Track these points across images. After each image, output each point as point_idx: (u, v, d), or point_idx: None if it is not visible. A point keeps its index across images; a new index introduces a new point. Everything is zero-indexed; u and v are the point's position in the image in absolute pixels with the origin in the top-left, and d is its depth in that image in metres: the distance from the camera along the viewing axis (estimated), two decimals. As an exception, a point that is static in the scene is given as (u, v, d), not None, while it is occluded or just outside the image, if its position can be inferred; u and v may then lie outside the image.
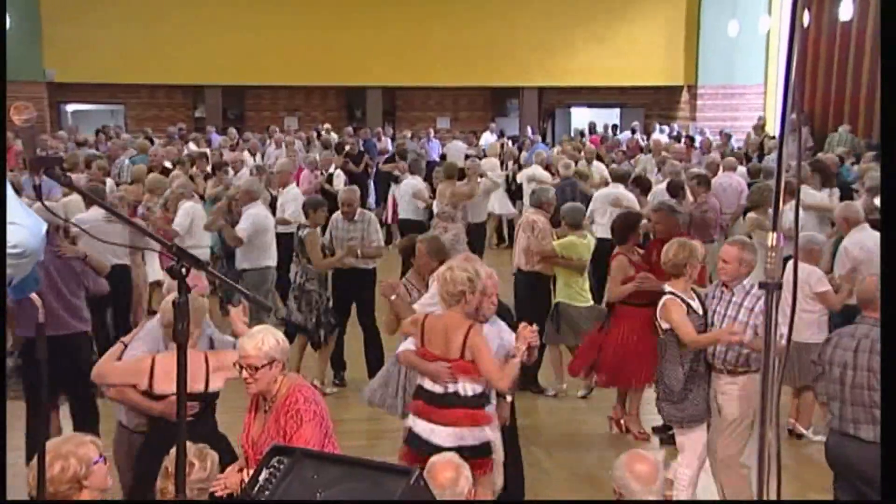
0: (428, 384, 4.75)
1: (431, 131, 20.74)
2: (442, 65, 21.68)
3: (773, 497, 2.20)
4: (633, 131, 19.79)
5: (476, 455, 4.56)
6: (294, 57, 21.36)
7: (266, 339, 3.89)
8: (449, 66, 21.70)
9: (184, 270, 2.45)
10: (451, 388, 4.68)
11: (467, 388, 4.68)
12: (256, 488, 2.94)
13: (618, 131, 21.02)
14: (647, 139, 18.83)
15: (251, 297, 3.11)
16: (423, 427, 4.70)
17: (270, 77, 21.93)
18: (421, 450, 4.56)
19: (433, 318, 4.79)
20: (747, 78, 20.84)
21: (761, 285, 2.44)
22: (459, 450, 4.37)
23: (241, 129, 21.24)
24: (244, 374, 3.89)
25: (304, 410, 3.83)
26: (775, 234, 2.42)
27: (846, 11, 16.77)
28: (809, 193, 9.05)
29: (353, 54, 21.45)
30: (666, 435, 6.80)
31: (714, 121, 21.28)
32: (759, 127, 18.00)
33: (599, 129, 21.04)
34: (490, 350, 4.63)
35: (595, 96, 23.23)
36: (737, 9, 20.52)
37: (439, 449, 4.42)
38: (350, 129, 20.00)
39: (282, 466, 2.97)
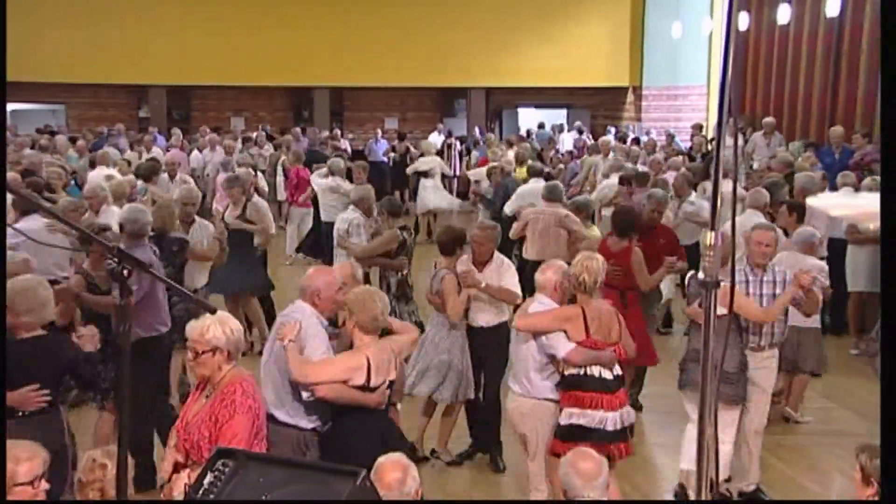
0: (597, 371, 5.06)
1: (379, 132, 20.69)
2: (390, 65, 21.65)
3: (708, 490, 2.23)
4: (580, 132, 19.96)
5: (628, 436, 5.17)
6: (241, 57, 21.16)
7: (213, 327, 3.98)
8: (397, 67, 21.68)
9: (125, 272, 2.42)
10: (617, 372, 5.12)
11: (619, 369, 5.20)
12: (201, 492, 2.91)
13: (564, 131, 21.20)
14: (594, 140, 19.03)
15: (194, 300, 3.08)
16: (594, 417, 5.01)
17: (217, 77, 21.70)
18: (585, 440, 4.81)
19: (592, 309, 5.14)
20: (690, 79, 21.13)
21: (701, 283, 2.48)
22: (625, 431, 5.07)
23: (188, 129, 21.00)
24: (189, 355, 4.06)
25: (240, 403, 3.90)
26: (713, 234, 2.46)
27: (784, 15, 17.11)
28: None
29: (301, 54, 21.35)
30: None
31: (658, 121, 21.56)
32: (697, 127, 18.31)
33: (547, 129, 21.22)
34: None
35: (542, 97, 23.39)
36: (680, 11, 20.81)
37: (613, 435, 4.99)
38: (298, 129, 19.90)
39: (226, 469, 2.94)
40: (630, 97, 23.03)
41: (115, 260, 2.45)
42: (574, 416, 5.04)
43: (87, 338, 4.69)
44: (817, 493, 6.03)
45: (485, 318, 6.39)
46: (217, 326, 3.99)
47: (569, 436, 5.00)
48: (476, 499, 6.11)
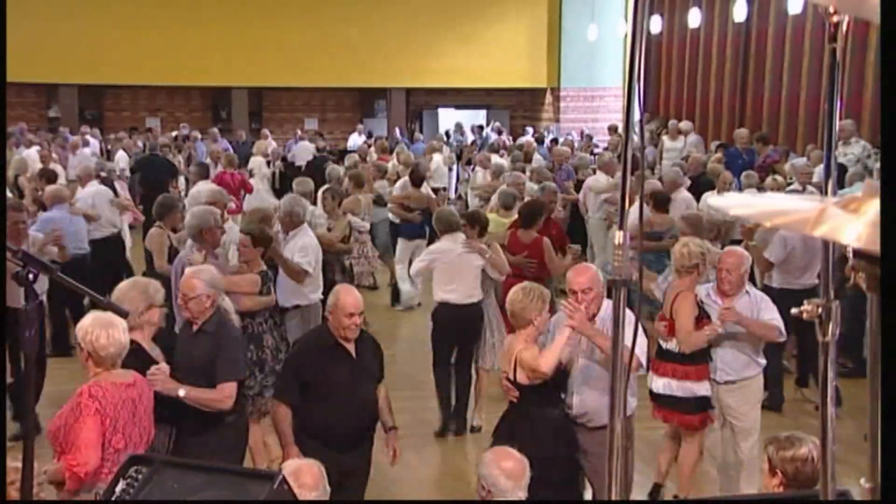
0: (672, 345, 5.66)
1: (299, 132, 20.52)
2: (310, 65, 21.50)
3: (619, 489, 2.28)
4: (500, 132, 20.15)
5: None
6: (156, 55, 20.72)
7: (93, 329, 4.02)
8: (316, 67, 21.54)
9: (31, 276, 2.37)
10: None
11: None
12: (113, 500, 2.87)
13: (484, 132, 21.37)
14: (514, 140, 19.23)
15: (104, 303, 3.03)
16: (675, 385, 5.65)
17: (131, 76, 21.22)
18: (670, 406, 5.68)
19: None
20: (607, 80, 21.50)
21: (610, 283, 2.53)
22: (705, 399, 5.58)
23: (102, 130, 20.52)
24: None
25: (85, 405, 3.95)
26: (621, 233, 2.52)
27: (694, 19, 17.57)
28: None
29: (218, 53, 21.01)
30: None
31: (576, 122, 21.89)
32: (612, 128, 18.71)
33: (467, 130, 21.37)
34: (686, 313, 5.58)
35: (461, 98, 23.53)
36: (595, 13, 21.16)
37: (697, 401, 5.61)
38: (216, 129, 19.61)
39: (140, 476, 2.90)
40: (548, 98, 23.33)
41: (21, 264, 2.40)
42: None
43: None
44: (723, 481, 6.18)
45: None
46: (98, 329, 4.02)
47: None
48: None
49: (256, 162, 15.13)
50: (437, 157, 15.11)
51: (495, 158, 13.95)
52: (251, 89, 22.62)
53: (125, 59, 20.61)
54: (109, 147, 18.50)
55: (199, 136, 19.13)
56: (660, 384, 5.73)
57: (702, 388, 5.64)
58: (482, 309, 7.30)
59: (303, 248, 7.04)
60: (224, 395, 4.58)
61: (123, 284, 4.83)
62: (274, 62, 21.32)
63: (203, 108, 23.63)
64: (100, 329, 4.03)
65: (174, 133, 19.99)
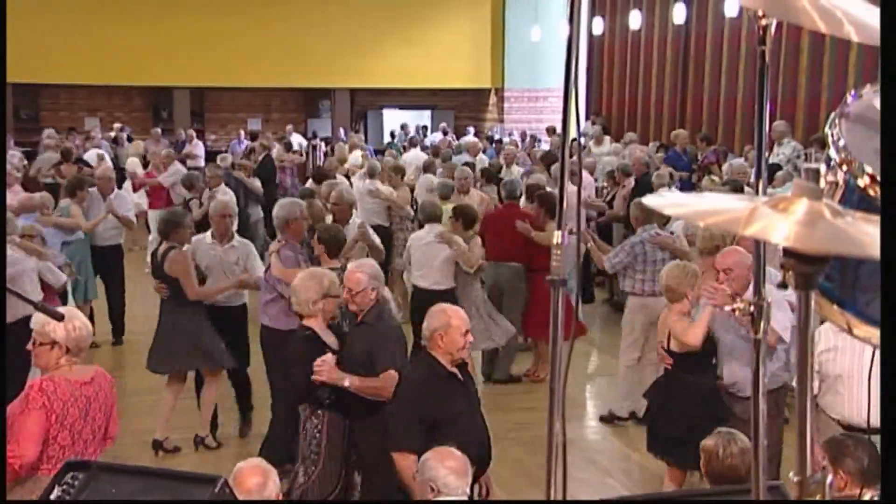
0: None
1: (242, 132, 20.32)
2: (252, 65, 21.27)
3: (559, 489, 2.30)
4: (445, 132, 20.19)
5: None
6: (95, 54, 20.29)
7: (70, 321, 4.01)
8: (259, 66, 21.32)
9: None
10: None
11: None
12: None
13: (428, 132, 21.38)
14: (458, 139, 19.27)
15: (38, 307, 2.98)
16: None
17: (67, 76, 20.76)
18: None
19: None
20: (550, 82, 21.63)
21: (549, 282, 2.56)
22: None
23: (39, 130, 20.05)
24: (30, 345, 4.13)
25: (33, 398, 3.94)
26: (560, 233, 2.55)
27: (635, 21, 17.80)
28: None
29: (159, 53, 20.65)
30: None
31: (520, 122, 22.01)
32: (551, 129, 18.88)
33: (411, 130, 21.36)
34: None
35: (406, 98, 23.51)
36: (538, 15, 21.30)
37: None
38: (158, 129, 19.30)
39: (76, 483, 2.85)
40: (493, 99, 23.42)
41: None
42: None
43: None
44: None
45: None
46: (74, 322, 4.04)
47: None
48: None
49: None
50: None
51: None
52: (193, 89, 22.31)
53: (62, 58, 20.16)
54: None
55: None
56: None
57: None
58: (454, 296, 7.41)
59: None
60: (386, 382, 4.70)
61: (301, 274, 5.13)
62: (216, 61, 21.04)
63: (144, 108, 23.24)
64: (74, 321, 4.08)
65: (112, 133, 19.65)
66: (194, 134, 19.01)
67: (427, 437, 4.23)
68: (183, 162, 15.05)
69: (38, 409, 3.91)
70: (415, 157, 14.73)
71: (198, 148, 18.21)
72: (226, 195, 9.93)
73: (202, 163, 16.80)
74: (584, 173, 12.17)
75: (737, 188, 8.80)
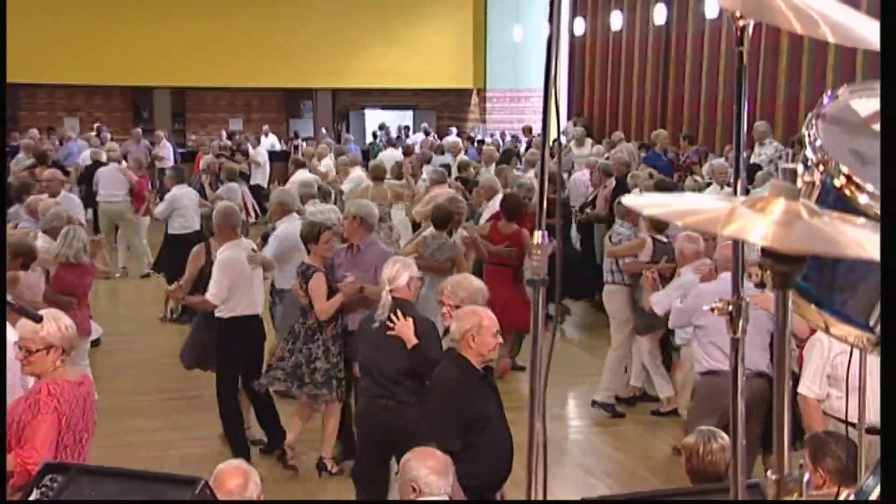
0: None
1: (224, 133, 20.25)
2: (233, 65, 21.18)
3: (539, 488, 2.30)
4: (427, 133, 20.19)
5: None
6: (73, 53, 20.13)
7: (47, 324, 3.89)
8: (240, 66, 21.23)
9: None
10: None
11: None
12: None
13: (410, 133, 21.37)
14: (440, 140, 19.28)
15: (16, 308, 2.96)
16: None
17: (46, 75, 20.58)
18: None
19: None
20: (532, 82, 21.66)
21: (528, 282, 2.56)
22: None
23: (17, 130, 19.89)
24: (19, 355, 3.93)
25: (44, 403, 3.86)
26: (540, 233, 2.55)
27: (616, 21, 17.86)
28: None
29: (139, 52, 20.51)
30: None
31: (502, 122, 22.05)
32: (527, 129, 18.94)
33: (393, 131, 21.36)
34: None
35: (388, 98, 23.49)
36: (520, 15, 21.34)
37: None
38: (138, 130, 19.18)
39: (55, 485, 2.83)
40: (475, 99, 23.44)
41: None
42: None
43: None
44: (649, 479, 6.32)
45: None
46: (52, 323, 3.93)
47: None
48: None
49: None
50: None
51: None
52: (174, 89, 22.20)
53: (41, 57, 19.99)
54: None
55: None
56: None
57: None
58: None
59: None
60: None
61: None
62: (197, 61, 20.94)
63: (124, 107, 23.09)
64: (62, 320, 4.01)
65: (93, 133, 19.52)
66: (163, 135, 18.70)
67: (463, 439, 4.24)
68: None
69: (51, 412, 3.84)
70: (392, 156, 14.76)
71: (165, 150, 17.98)
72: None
73: (169, 164, 16.70)
74: (584, 171, 12.50)
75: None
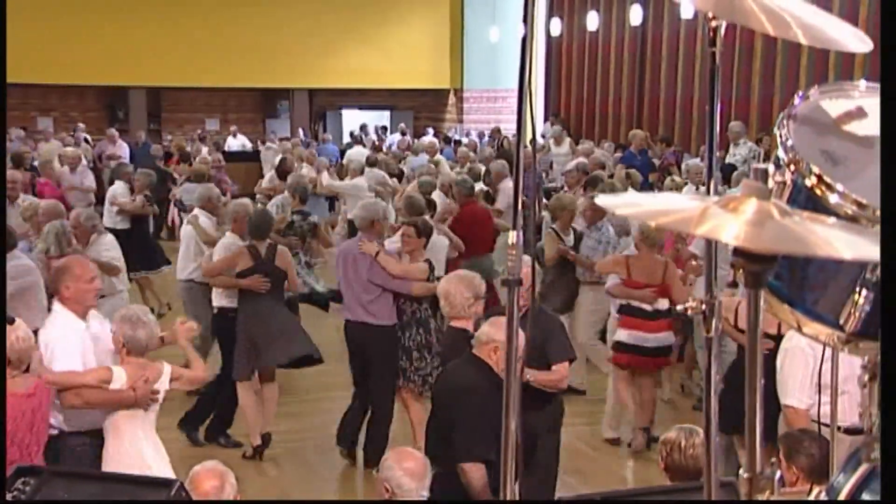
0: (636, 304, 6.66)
1: (199, 132, 20.14)
2: (210, 64, 21.06)
3: (515, 488, 2.31)
4: (403, 133, 20.19)
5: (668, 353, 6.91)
6: (47, 53, 19.90)
7: (26, 333, 3.93)
8: (217, 66, 21.12)
9: None
10: (658, 306, 6.67)
11: (663, 304, 6.68)
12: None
13: (387, 133, 21.36)
14: (417, 140, 19.28)
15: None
16: (634, 336, 6.65)
17: (19, 74, 20.34)
18: (632, 354, 6.69)
19: (634, 259, 6.77)
20: (509, 82, 21.67)
21: (503, 282, 2.57)
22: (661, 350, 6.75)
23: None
24: None
25: None
26: (514, 233, 2.55)
27: (592, 22, 17.93)
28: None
29: (114, 52, 20.33)
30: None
31: (480, 123, 22.08)
32: (496, 130, 19.00)
33: (371, 131, 21.35)
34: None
35: (365, 98, 23.46)
36: (496, 15, 21.38)
37: (650, 350, 6.68)
38: (114, 130, 18.99)
39: (27, 488, 2.81)
40: (452, 99, 23.46)
41: None
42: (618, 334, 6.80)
43: None
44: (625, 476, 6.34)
45: None
46: (28, 332, 3.93)
47: (621, 348, 6.77)
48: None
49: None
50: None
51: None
52: (149, 89, 22.04)
53: (14, 56, 19.65)
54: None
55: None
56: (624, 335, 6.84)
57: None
58: None
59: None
60: (561, 374, 4.99)
61: (451, 278, 5.25)
62: (173, 61, 20.80)
63: (99, 108, 22.90)
64: (17, 331, 3.94)
65: (73, 133, 19.34)
66: (116, 134, 18.29)
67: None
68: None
69: None
70: (357, 153, 14.93)
71: (121, 149, 17.65)
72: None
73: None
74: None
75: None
